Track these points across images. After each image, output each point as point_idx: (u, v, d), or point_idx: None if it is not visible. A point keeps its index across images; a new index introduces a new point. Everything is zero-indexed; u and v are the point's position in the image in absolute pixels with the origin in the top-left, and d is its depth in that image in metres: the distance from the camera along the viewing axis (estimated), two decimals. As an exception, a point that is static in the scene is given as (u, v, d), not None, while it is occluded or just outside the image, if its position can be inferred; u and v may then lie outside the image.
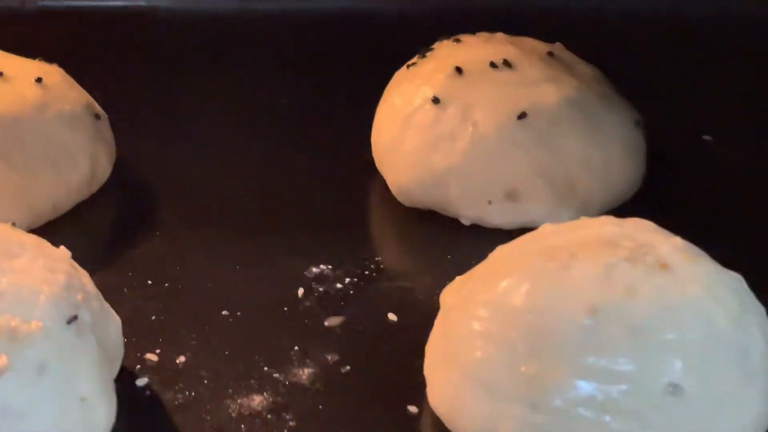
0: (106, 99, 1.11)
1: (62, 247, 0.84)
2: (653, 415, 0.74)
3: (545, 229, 0.86)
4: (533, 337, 0.77)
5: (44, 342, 0.76)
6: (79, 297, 0.80)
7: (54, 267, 0.81)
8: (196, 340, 0.90)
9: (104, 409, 0.79)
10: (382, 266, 0.99)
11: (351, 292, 0.95)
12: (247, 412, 0.83)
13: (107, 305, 0.84)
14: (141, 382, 0.86)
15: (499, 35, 1.10)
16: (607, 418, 0.75)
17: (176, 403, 0.84)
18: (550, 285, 0.79)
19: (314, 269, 0.97)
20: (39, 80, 1.04)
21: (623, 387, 0.75)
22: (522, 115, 1.00)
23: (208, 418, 0.83)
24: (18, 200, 0.98)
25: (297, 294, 0.95)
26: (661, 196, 1.06)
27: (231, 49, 1.31)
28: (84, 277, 0.83)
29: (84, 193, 1.04)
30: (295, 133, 1.16)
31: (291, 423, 0.83)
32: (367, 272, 0.98)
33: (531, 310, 0.78)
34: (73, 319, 0.78)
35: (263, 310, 0.93)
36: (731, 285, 0.81)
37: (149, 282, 0.96)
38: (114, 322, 0.84)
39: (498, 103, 1.01)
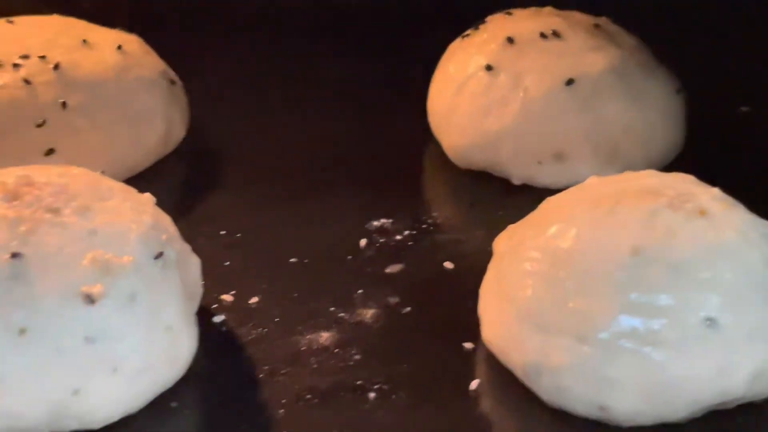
0: (180, 67, 1.19)
1: (147, 193, 0.91)
2: (691, 346, 0.80)
3: (592, 181, 0.92)
4: (580, 275, 0.84)
5: (134, 274, 0.83)
6: (164, 237, 0.88)
7: (141, 209, 0.88)
8: (267, 284, 0.97)
9: (187, 338, 0.86)
10: (438, 221, 1.05)
11: (409, 243, 1.02)
12: (315, 347, 0.90)
13: (188, 246, 0.91)
14: (217, 319, 0.93)
15: (548, 9, 1.16)
16: (648, 349, 0.81)
17: (250, 337, 0.91)
18: (596, 228, 0.85)
19: (375, 223, 1.04)
20: (119, 48, 1.11)
21: (663, 320, 0.81)
22: (570, 82, 1.07)
23: (281, 351, 0.90)
24: (100, 156, 1.05)
25: (359, 244, 1.01)
26: (699, 160, 1.11)
27: (296, 20, 1.39)
28: (166, 220, 0.91)
29: (160, 153, 1.12)
30: (357, 103, 1.24)
31: (356, 356, 0.89)
32: (424, 226, 1.04)
33: (578, 251, 0.85)
34: (159, 256, 0.85)
35: (328, 258, 1.00)
36: (764, 231, 0.87)
37: (222, 232, 1.03)
38: (194, 261, 0.91)
39: (547, 71, 1.08)
